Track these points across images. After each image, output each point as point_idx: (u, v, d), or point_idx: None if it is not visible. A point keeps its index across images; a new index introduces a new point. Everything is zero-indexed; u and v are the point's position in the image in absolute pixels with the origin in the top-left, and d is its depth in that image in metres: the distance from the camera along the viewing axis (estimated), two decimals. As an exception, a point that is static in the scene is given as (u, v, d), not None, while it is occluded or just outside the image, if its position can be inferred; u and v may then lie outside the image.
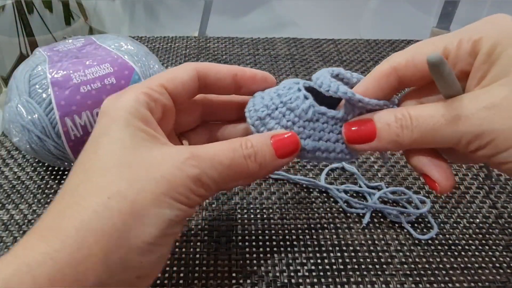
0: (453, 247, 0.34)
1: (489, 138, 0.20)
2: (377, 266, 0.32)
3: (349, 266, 0.32)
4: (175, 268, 0.32)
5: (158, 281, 0.31)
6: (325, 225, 0.35)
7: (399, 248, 0.34)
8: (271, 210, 0.37)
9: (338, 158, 0.26)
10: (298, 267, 0.32)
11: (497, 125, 0.20)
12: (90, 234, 0.19)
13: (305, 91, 0.25)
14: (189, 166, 0.21)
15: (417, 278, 0.32)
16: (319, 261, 0.33)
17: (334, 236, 0.35)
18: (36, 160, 0.41)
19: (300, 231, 0.35)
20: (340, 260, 0.33)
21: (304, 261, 0.33)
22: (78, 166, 0.22)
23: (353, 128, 0.24)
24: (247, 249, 0.33)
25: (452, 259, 0.33)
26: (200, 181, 0.22)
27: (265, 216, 0.36)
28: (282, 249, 0.33)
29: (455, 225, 0.36)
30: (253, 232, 0.35)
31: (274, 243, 0.34)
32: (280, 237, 0.34)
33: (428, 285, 0.31)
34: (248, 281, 0.31)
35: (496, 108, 0.20)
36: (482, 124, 0.20)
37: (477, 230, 0.35)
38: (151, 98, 0.23)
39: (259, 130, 0.25)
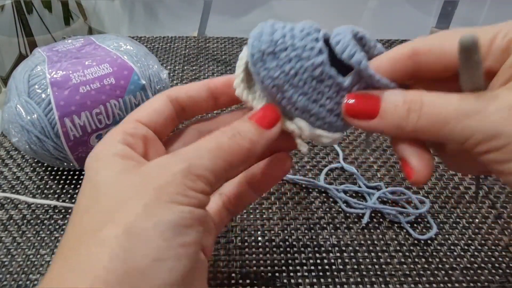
0: (452, 247, 0.34)
1: (505, 141, 0.18)
2: (377, 266, 0.32)
3: (348, 266, 0.32)
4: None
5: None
6: (325, 225, 0.35)
7: (398, 248, 0.34)
8: (270, 210, 0.37)
9: (324, 128, 0.23)
10: (298, 267, 0.32)
11: None
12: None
13: (322, 44, 0.21)
14: (173, 163, 0.21)
15: (417, 278, 0.32)
16: (318, 261, 0.33)
17: (334, 236, 0.35)
18: (35, 160, 0.41)
19: (299, 231, 0.35)
20: (339, 260, 0.33)
21: (304, 261, 0.33)
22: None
23: (356, 100, 0.22)
24: (247, 249, 0.33)
25: (451, 259, 0.33)
26: (192, 173, 0.21)
27: (264, 216, 0.36)
28: (281, 249, 0.33)
29: (454, 225, 0.36)
30: (252, 232, 0.35)
31: (274, 243, 0.34)
32: (280, 237, 0.34)
33: (427, 285, 0.31)
34: (248, 281, 0.31)
35: None
36: (501, 124, 0.18)
37: (476, 230, 0.35)
38: (126, 133, 0.23)
39: (256, 65, 0.22)
